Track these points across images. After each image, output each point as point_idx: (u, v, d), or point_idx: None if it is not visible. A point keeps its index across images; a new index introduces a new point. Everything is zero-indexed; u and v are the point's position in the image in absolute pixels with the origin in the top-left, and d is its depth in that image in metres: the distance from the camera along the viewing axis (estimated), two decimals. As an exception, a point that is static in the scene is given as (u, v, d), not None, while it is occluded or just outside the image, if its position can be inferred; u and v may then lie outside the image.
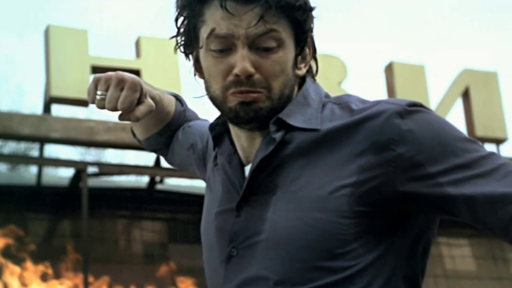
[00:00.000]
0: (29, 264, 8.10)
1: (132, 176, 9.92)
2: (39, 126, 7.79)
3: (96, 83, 1.65)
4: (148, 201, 9.02)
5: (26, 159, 12.41)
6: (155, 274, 8.64)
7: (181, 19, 1.66)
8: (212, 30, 1.60)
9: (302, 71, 1.67)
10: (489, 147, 9.12)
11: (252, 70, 1.58)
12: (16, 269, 8.06)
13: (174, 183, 9.46)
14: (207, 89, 1.66)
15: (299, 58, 1.66)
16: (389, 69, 9.12)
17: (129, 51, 8.40)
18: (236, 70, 1.58)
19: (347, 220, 1.53)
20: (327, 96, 1.69)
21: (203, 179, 1.91)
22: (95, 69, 7.95)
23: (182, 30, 1.67)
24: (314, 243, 1.53)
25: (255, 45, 1.58)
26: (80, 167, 8.12)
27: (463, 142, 1.54)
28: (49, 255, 8.29)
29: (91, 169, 8.29)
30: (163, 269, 8.67)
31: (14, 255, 8.09)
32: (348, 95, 1.67)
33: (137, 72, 8.04)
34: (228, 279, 1.62)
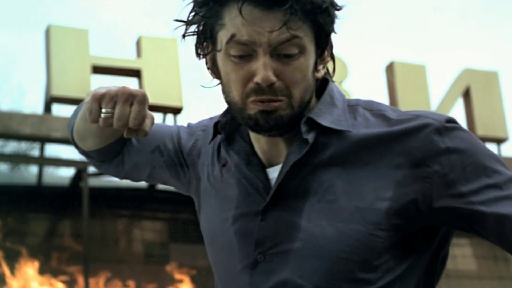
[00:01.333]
0: (29, 264, 8.10)
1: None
2: (39, 125, 7.79)
3: (99, 100, 1.55)
4: (149, 200, 9.01)
5: (26, 159, 12.42)
6: (156, 274, 8.63)
7: (196, 17, 1.59)
8: (233, 36, 1.54)
9: (321, 73, 1.62)
10: (490, 147, 9.11)
11: (274, 79, 1.53)
12: (17, 268, 8.05)
13: (174, 182, 9.44)
14: (226, 93, 1.60)
15: (319, 60, 1.60)
16: (390, 69, 9.12)
17: (130, 51, 8.40)
18: (257, 79, 1.53)
19: (384, 233, 1.54)
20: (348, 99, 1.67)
21: (176, 179, 1.83)
22: (96, 69, 7.95)
23: (197, 29, 1.60)
24: (352, 255, 1.53)
25: (277, 52, 1.53)
26: (80, 167, 8.11)
27: (494, 163, 1.60)
28: (49, 254, 8.29)
29: (92, 169, 8.28)
30: (163, 269, 8.67)
31: (14, 255, 8.08)
32: (378, 103, 1.65)
33: (137, 72, 8.05)
34: (255, 284, 1.58)
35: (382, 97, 8.91)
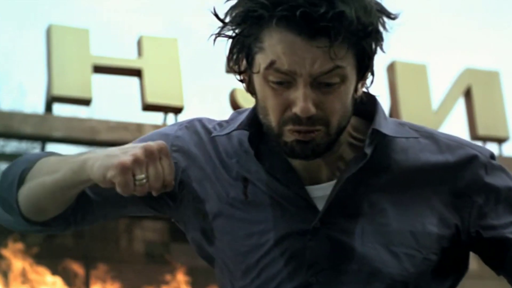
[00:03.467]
0: (30, 264, 8.09)
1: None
2: (40, 125, 7.80)
3: (130, 170, 1.43)
4: (150, 200, 8.99)
5: (27, 159, 12.41)
6: (157, 273, 8.63)
7: (230, 32, 1.50)
8: (272, 63, 1.45)
9: (360, 92, 1.54)
10: (491, 147, 9.12)
11: (313, 110, 1.45)
12: (18, 268, 8.05)
13: (175, 182, 9.44)
14: (262, 114, 1.52)
15: (360, 82, 1.53)
16: (391, 69, 9.12)
17: (131, 51, 8.39)
18: (296, 110, 1.46)
19: (435, 257, 1.56)
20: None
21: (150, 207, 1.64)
22: (97, 68, 7.95)
23: (232, 46, 1.50)
24: (409, 279, 1.54)
25: (317, 81, 1.45)
26: (81, 167, 8.10)
27: None
28: (50, 254, 8.29)
29: (93, 169, 8.29)
30: (164, 269, 8.66)
31: (15, 255, 8.08)
32: (415, 124, 1.65)
33: (138, 72, 8.05)
34: None
35: (383, 97, 8.91)
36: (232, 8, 1.49)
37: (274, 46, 1.45)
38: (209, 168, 1.60)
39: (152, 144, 1.46)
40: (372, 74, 1.54)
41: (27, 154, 1.65)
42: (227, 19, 1.50)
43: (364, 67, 1.50)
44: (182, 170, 1.60)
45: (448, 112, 8.94)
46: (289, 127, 1.48)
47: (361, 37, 1.46)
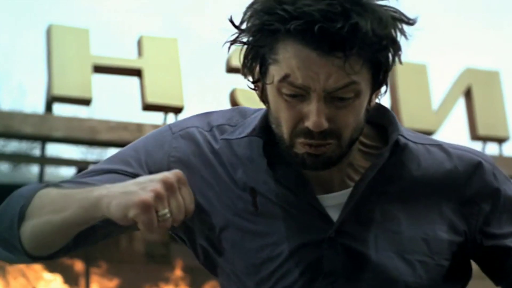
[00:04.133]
0: (30, 264, 8.08)
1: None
2: (41, 125, 7.79)
3: (153, 208, 1.36)
4: (150, 200, 8.99)
5: (28, 159, 12.39)
6: (157, 273, 8.63)
7: (246, 41, 1.48)
8: (286, 76, 1.44)
9: (374, 102, 1.54)
10: (492, 147, 9.13)
11: (326, 125, 1.44)
12: (18, 268, 8.05)
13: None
14: (274, 124, 1.50)
15: (374, 94, 1.52)
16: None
17: (131, 50, 8.39)
18: (309, 124, 1.44)
19: (447, 262, 1.57)
20: None
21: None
22: (97, 68, 7.95)
23: (246, 53, 1.49)
24: (423, 286, 1.55)
25: (331, 95, 1.44)
26: (81, 166, 8.11)
27: None
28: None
29: (93, 169, 8.29)
30: (164, 268, 8.66)
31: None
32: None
33: (138, 71, 8.04)
34: None
35: (383, 97, 8.89)
36: (249, 17, 1.46)
37: (288, 60, 1.43)
38: (212, 178, 1.57)
39: (169, 175, 1.39)
40: (386, 84, 1.53)
41: (20, 190, 1.55)
42: (243, 26, 1.48)
43: (380, 79, 1.49)
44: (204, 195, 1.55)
45: (448, 112, 8.93)
46: (301, 140, 1.47)
47: (376, 51, 1.44)
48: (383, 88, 1.53)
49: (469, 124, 9.13)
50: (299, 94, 1.45)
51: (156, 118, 8.17)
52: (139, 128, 7.96)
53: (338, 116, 1.45)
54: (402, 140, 1.56)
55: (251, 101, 9.16)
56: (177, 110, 8.10)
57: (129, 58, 8.25)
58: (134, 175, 1.53)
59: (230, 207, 1.55)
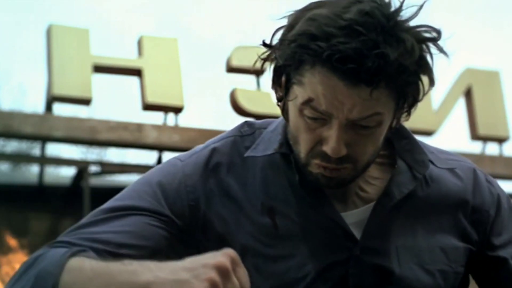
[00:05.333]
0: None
1: (134, 175, 9.92)
2: (41, 125, 7.79)
3: None
4: (150, 200, 8.99)
5: (28, 158, 12.41)
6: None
7: (275, 56, 1.46)
8: (310, 100, 1.41)
9: (395, 127, 1.52)
10: (492, 146, 9.12)
11: (344, 152, 1.43)
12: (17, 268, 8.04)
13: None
14: (292, 140, 1.49)
15: (395, 119, 1.50)
16: (391, 68, 9.10)
17: (131, 50, 8.39)
18: (327, 149, 1.43)
19: (463, 269, 1.59)
20: None
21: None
22: (97, 68, 7.94)
23: (274, 70, 1.47)
24: None
25: (352, 123, 1.42)
26: (82, 166, 8.11)
27: None
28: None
29: (93, 168, 8.28)
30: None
31: (15, 255, 8.07)
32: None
33: (138, 71, 8.04)
34: None
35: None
36: (280, 43, 1.44)
37: (314, 85, 1.41)
38: (230, 203, 1.53)
39: (222, 259, 1.27)
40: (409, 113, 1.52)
41: (45, 263, 1.42)
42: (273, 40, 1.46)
43: (404, 106, 1.47)
44: (204, 214, 1.51)
45: (448, 112, 8.93)
46: (317, 161, 1.46)
47: (404, 82, 1.42)
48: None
49: (469, 124, 9.13)
50: (321, 118, 1.43)
51: (156, 118, 8.18)
52: (139, 128, 7.96)
53: (357, 142, 1.44)
54: (440, 164, 1.60)
55: (251, 101, 9.12)
56: (177, 110, 8.10)
57: (129, 58, 8.24)
58: (153, 212, 1.48)
59: (249, 231, 1.52)
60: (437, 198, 1.58)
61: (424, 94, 1.46)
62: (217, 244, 1.46)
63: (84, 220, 1.51)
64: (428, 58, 1.45)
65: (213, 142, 1.58)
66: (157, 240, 1.47)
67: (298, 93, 1.43)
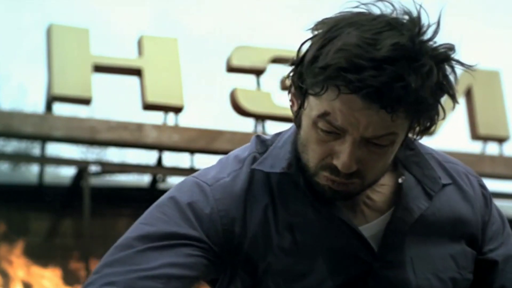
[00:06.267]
0: (30, 264, 8.09)
1: (134, 175, 9.92)
2: (41, 125, 7.78)
3: None
4: (150, 200, 8.93)
5: (27, 158, 12.41)
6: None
7: (296, 67, 1.44)
8: (326, 114, 1.41)
9: (405, 143, 1.52)
10: (492, 146, 9.11)
11: (354, 168, 1.43)
12: (18, 268, 8.05)
13: (176, 182, 9.44)
14: (301, 148, 1.48)
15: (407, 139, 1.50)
16: (391, 68, 9.09)
17: (131, 50, 8.38)
18: (338, 164, 1.42)
19: (471, 275, 1.60)
20: None
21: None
22: (97, 68, 7.94)
23: (292, 77, 1.46)
24: None
25: (366, 140, 1.42)
26: (81, 166, 8.11)
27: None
28: (50, 254, 8.28)
29: (93, 168, 8.28)
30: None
31: (15, 254, 8.07)
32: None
33: (138, 71, 8.04)
34: None
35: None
36: (309, 63, 1.41)
37: (332, 99, 1.39)
38: (259, 223, 1.52)
39: None
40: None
41: None
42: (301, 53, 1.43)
43: (419, 127, 1.47)
44: (237, 237, 1.50)
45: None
46: (326, 174, 1.45)
47: (423, 111, 1.42)
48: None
49: (470, 123, 9.12)
50: (334, 132, 1.42)
51: (156, 117, 8.17)
52: (139, 127, 7.95)
53: (368, 159, 1.44)
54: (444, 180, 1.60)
55: (251, 101, 9.11)
56: (177, 110, 8.10)
57: (129, 58, 8.24)
58: (193, 240, 1.47)
59: (273, 249, 1.51)
60: (442, 206, 1.59)
61: (445, 117, 1.48)
62: (243, 264, 1.49)
63: (121, 252, 1.49)
64: (450, 75, 1.46)
65: (234, 166, 1.55)
66: (200, 269, 1.48)
67: (314, 105, 1.42)
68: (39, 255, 8.14)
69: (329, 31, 1.41)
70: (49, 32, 7.99)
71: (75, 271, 8.25)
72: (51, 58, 7.84)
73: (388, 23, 1.40)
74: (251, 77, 8.28)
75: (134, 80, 8.18)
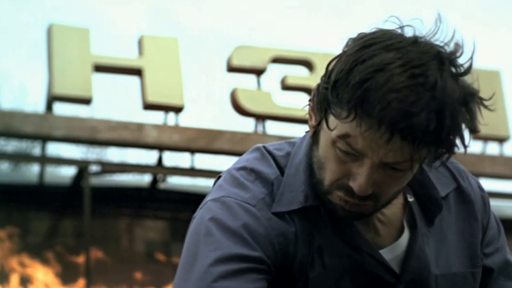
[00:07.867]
0: (31, 263, 8.09)
1: (134, 175, 9.93)
2: (41, 124, 7.79)
3: None
4: (150, 200, 9.00)
5: (28, 158, 12.42)
6: (158, 273, 8.62)
7: (324, 80, 1.42)
8: (346, 136, 1.39)
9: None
10: (492, 146, 9.12)
11: (370, 191, 1.42)
12: (18, 268, 8.05)
13: (176, 182, 9.45)
14: (318, 167, 1.47)
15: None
16: (391, 68, 9.09)
17: (132, 50, 8.39)
18: (354, 186, 1.41)
19: (480, 269, 1.62)
20: None
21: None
22: (97, 68, 7.95)
23: (317, 93, 1.43)
24: None
25: (384, 164, 1.41)
26: (82, 166, 8.11)
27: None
28: (51, 254, 8.28)
29: (93, 168, 8.28)
30: (165, 268, 8.66)
31: (16, 254, 8.08)
32: None
33: (139, 71, 8.05)
34: None
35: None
36: (337, 85, 1.38)
37: (356, 125, 1.37)
38: (301, 243, 1.50)
39: None
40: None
41: None
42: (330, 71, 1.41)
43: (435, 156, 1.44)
44: (291, 256, 1.49)
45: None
46: (340, 193, 1.44)
47: (446, 144, 1.41)
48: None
49: (470, 123, 9.12)
50: (353, 154, 1.41)
51: (156, 117, 8.18)
52: (139, 127, 7.96)
53: (384, 182, 1.43)
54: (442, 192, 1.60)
55: (251, 101, 9.10)
56: (178, 110, 8.10)
57: (129, 58, 8.24)
58: (252, 261, 1.45)
59: (303, 270, 1.50)
60: (452, 208, 1.61)
61: (466, 147, 1.44)
62: (285, 285, 1.48)
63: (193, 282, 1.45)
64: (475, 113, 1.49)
65: (262, 187, 1.51)
66: None
67: (335, 125, 1.40)
68: (39, 255, 8.15)
69: (361, 50, 1.39)
70: (49, 32, 8.00)
71: (75, 271, 8.25)
72: (52, 58, 7.84)
73: (431, 53, 1.41)
74: (251, 77, 8.28)
75: (134, 80, 8.19)
